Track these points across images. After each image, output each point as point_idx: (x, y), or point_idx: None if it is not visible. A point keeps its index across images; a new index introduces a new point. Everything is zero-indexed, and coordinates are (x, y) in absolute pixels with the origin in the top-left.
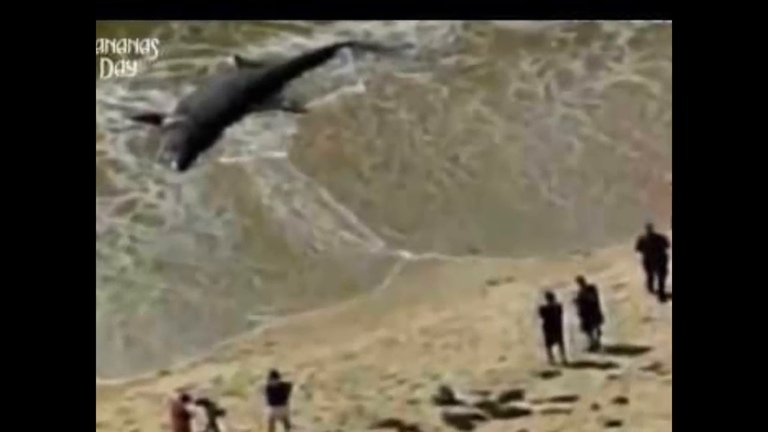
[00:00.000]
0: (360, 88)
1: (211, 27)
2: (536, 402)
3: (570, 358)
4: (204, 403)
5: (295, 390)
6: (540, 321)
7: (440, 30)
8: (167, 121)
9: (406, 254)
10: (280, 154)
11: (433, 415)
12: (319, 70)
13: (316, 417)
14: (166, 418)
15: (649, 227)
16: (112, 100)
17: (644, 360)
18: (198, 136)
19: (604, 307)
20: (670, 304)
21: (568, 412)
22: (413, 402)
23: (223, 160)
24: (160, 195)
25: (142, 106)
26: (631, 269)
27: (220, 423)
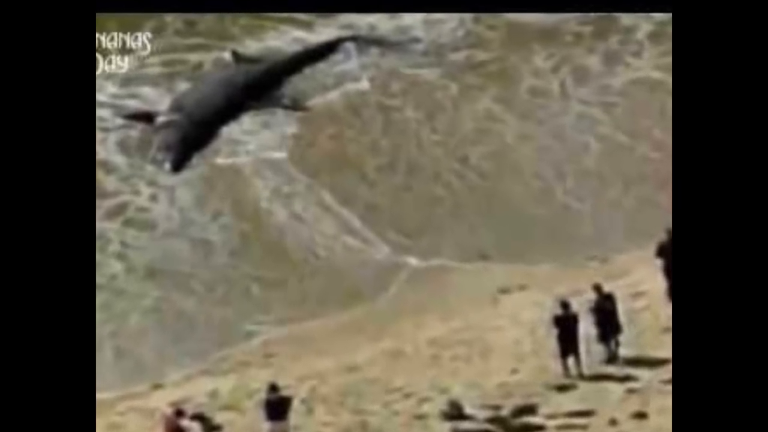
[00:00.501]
0: (364, 84)
1: (207, 20)
2: (550, 417)
3: (586, 371)
4: (199, 418)
5: (296, 404)
6: (554, 331)
7: (449, 23)
8: (160, 119)
9: (413, 260)
10: (280, 155)
11: (442, 430)
12: (321, 66)
13: None
14: None
15: (670, 232)
16: (102, 98)
17: (665, 372)
18: (193, 136)
19: (622, 317)
20: None
21: (584, 427)
22: (420, 417)
23: (220, 160)
24: (153, 198)
25: (133, 104)
26: (651, 276)
27: None
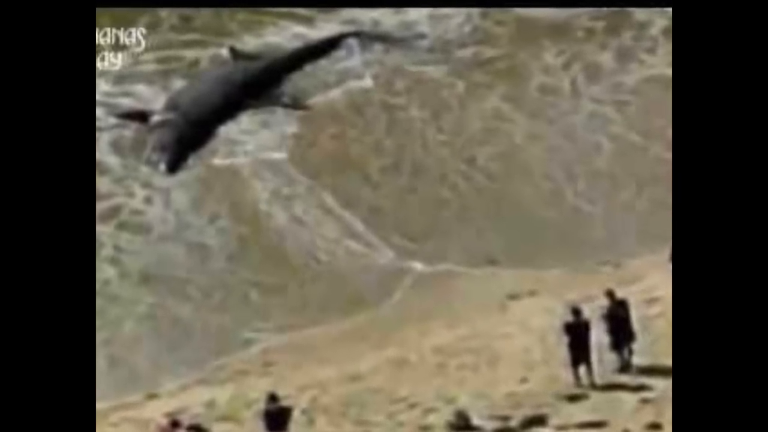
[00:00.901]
0: (367, 82)
1: (204, 15)
2: (561, 428)
3: (598, 380)
4: (196, 429)
5: (296, 415)
6: (565, 339)
7: (455, 19)
8: (155, 118)
9: (418, 265)
10: (280, 155)
11: None
12: (323, 63)
13: None
14: None
15: None
16: None
17: None
18: (189, 136)
19: (635, 324)
20: None
21: None
22: (426, 428)
23: (217, 161)
24: (148, 200)
25: (127, 103)
26: (666, 282)
27: None
